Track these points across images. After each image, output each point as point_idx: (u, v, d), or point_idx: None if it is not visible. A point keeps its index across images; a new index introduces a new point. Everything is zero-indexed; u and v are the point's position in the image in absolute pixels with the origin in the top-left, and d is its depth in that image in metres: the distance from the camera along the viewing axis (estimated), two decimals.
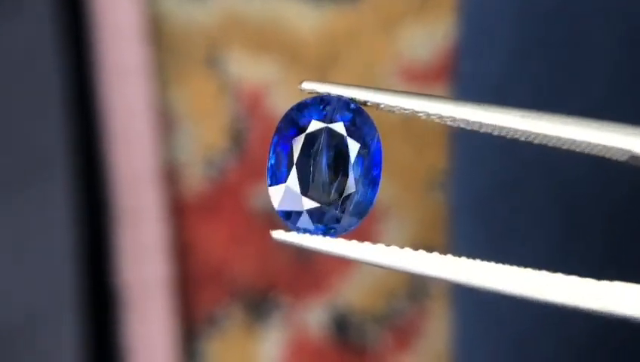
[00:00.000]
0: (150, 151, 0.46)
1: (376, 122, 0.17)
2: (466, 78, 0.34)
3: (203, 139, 0.47)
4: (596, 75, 0.30)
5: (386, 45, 0.46)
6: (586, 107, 0.30)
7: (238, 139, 0.47)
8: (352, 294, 0.46)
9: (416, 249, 0.17)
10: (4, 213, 0.44)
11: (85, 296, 0.44)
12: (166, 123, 0.47)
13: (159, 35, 0.47)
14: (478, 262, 0.17)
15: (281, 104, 0.47)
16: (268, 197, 0.17)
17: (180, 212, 0.47)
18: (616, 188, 0.30)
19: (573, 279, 0.17)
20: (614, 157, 0.16)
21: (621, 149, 0.16)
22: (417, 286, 0.46)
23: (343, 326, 0.46)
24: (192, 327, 0.46)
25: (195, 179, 0.47)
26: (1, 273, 0.44)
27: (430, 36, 0.46)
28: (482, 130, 0.17)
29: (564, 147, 0.17)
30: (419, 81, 0.46)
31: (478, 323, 0.33)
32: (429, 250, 0.18)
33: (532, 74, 0.31)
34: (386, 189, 0.46)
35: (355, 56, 0.46)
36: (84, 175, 0.45)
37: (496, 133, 0.17)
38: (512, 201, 0.32)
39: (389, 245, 0.17)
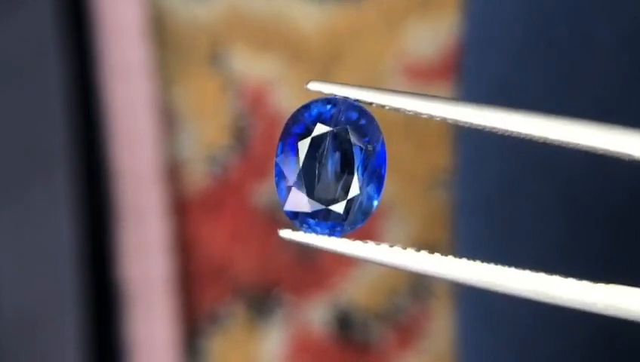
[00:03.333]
0: (153, 149, 0.46)
1: (379, 121, 0.17)
2: (469, 75, 0.34)
3: (206, 136, 0.47)
4: (601, 72, 0.30)
5: (390, 43, 0.46)
6: (591, 105, 0.30)
7: (240, 136, 0.47)
8: (354, 292, 0.46)
9: (419, 247, 0.18)
10: (7, 211, 0.44)
11: (87, 293, 0.44)
12: (169, 120, 0.47)
13: (162, 33, 0.47)
14: (477, 263, 0.17)
15: (284, 101, 0.47)
16: (273, 195, 0.18)
17: (183, 209, 0.47)
18: (621, 186, 0.30)
19: (570, 281, 0.17)
20: (616, 156, 0.17)
21: (622, 153, 0.16)
22: (420, 284, 0.46)
23: (345, 324, 0.46)
24: (194, 325, 0.46)
25: (198, 176, 0.47)
26: (3, 271, 0.44)
27: (434, 33, 0.46)
28: (486, 130, 0.17)
29: (569, 147, 0.17)
30: (422, 78, 0.46)
31: (482, 322, 0.33)
32: (432, 248, 0.18)
33: (536, 71, 0.31)
34: (388, 187, 0.46)
35: (358, 53, 0.46)
36: (87, 173, 0.45)
37: (500, 133, 0.17)
38: (515, 200, 0.32)
39: (392, 245, 0.17)
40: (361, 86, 0.17)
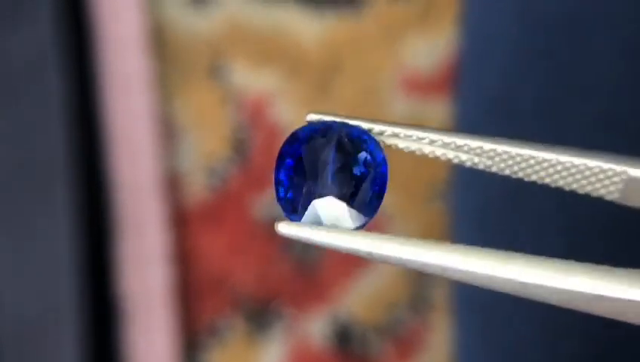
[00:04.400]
0: (152, 161, 0.46)
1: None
2: (467, 88, 0.34)
3: (205, 148, 0.47)
4: (598, 84, 0.30)
5: (388, 55, 0.46)
6: (589, 116, 0.30)
7: (240, 148, 0.47)
8: (353, 305, 0.46)
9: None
10: (6, 223, 0.44)
11: (87, 305, 0.44)
12: (168, 132, 0.47)
13: (162, 45, 0.47)
14: (487, 249, 0.17)
15: (284, 114, 0.47)
16: (273, 207, 0.18)
17: (182, 221, 0.47)
18: None
19: (589, 266, 0.16)
20: (608, 195, 0.16)
21: (617, 172, 0.16)
22: (420, 297, 0.46)
23: (344, 337, 0.46)
24: (193, 337, 0.46)
25: (197, 188, 0.47)
26: (3, 283, 0.44)
27: (432, 47, 0.46)
28: (482, 160, 0.17)
29: (560, 183, 0.17)
30: (421, 91, 0.46)
31: (479, 335, 0.33)
32: None
33: (533, 84, 0.31)
34: (387, 199, 0.46)
35: (357, 66, 0.46)
36: (87, 184, 0.45)
37: (487, 167, 0.17)
38: (513, 211, 0.32)
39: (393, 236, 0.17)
40: (358, 117, 0.17)
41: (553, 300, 0.16)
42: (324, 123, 0.17)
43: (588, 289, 0.16)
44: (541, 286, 0.16)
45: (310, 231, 0.17)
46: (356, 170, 0.17)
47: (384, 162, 0.17)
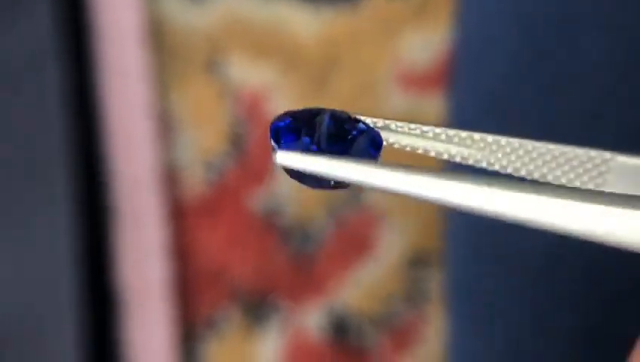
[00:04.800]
0: (150, 155, 0.46)
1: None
2: (463, 84, 0.34)
3: (203, 142, 0.47)
4: (596, 83, 0.30)
5: (385, 50, 0.47)
6: (585, 116, 0.30)
7: (237, 142, 0.47)
8: (350, 297, 0.47)
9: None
10: (5, 217, 0.44)
11: (85, 298, 0.44)
12: (166, 126, 0.47)
13: (160, 39, 0.47)
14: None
15: (281, 108, 0.47)
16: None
17: (180, 215, 0.47)
18: None
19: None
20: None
21: (605, 159, 0.16)
22: (416, 289, 0.46)
23: (341, 329, 0.47)
24: (190, 330, 0.47)
25: (195, 182, 0.47)
26: (2, 276, 0.44)
27: (429, 42, 0.46)
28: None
29: (549, 177, 0.17)
30: (417, 85, 0.47)
31: (474, 326, 0.33)
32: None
33: (531, 81, 0.31)
34: (381, 196, 0.46)
35: (354, 61, 0.47)
36: (85, 178, 0.45)
37: (477, 161, 0.17)
38: None
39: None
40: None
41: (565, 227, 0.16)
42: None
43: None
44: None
45: (311, 159, 0.16)
46: (352, 132, 0.17)
47: (379, 135, 0.17)
